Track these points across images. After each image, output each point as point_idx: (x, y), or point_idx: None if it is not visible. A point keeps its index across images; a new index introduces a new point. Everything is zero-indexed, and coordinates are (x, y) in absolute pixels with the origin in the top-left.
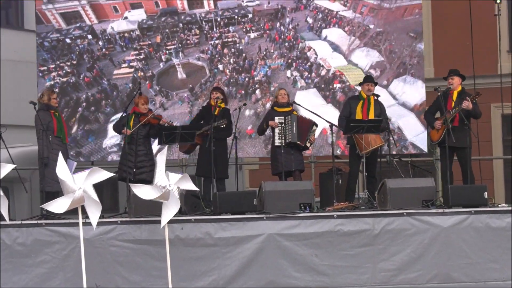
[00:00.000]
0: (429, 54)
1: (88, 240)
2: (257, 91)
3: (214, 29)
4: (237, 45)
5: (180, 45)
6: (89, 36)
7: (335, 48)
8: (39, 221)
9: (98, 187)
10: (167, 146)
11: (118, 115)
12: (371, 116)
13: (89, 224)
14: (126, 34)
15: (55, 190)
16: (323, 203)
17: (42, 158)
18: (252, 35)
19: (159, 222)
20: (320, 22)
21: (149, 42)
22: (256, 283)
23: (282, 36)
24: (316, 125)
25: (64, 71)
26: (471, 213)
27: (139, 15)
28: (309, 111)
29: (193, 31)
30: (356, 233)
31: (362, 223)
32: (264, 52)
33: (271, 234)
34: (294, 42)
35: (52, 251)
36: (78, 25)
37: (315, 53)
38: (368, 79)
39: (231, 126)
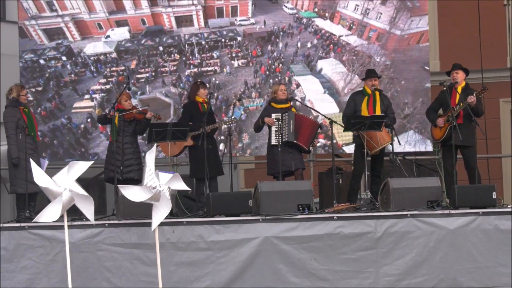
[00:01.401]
0: (435, 46)
1: (74, 244)
2: (221, 145)
3: (196, 55)
4: (215, 76)
5: (153, 73)
6: (63, 58)
7: (329, 87)
8: (22, 224)
9: (84, 188)
10: (156, 144)
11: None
12: (378, 112)
13: (75, 227)
14: (101, 57)
15: (29, 191)
16: (323, 204)
17: (12, 158)
18: (236, 63)
19: (148, 224)
20: (318, 49)
21: (123, 67)
22: None
23: (270, 69)
24: (321, 128)
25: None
26: (479, 215)
27: (121, 33)
28: (308, 107)
29: (172, 55)
30: (357, 236)
31: (363, 225)
32: (243, 89)
33: (268, 237)
34: (281, 76)
35: (35, 256)
36: (54, 44)
37: (303, 93)
38: (371, 74)
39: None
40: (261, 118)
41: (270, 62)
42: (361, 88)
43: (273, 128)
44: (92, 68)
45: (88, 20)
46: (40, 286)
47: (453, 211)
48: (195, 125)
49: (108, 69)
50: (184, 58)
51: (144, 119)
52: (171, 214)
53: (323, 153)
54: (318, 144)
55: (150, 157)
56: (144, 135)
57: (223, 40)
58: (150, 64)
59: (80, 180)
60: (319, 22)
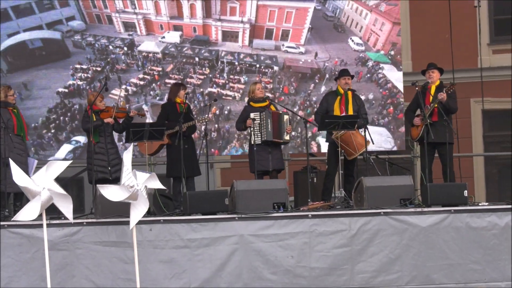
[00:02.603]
0: (407, 47)
1: (53, 243)
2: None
3: (224, 74)
4: (232, 104)
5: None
6: (125, 48)
7: None
8: (1, 223)
9: (62, 187)
10: (132, 144)
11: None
12: (350, 112)
13: (54, 225)
14: (150, 55)
15: (12, 191)
16: (298, 202)
17: (4, 158)
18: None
19: (126, 223)
20: (376, 107)
21: (160, 68)
22: (229, 286)
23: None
24: (287, 114)
25: (85, 75)
26: (451, 212)
27: (174, 37)
28: (284, 107)
29: (203, 69)
30: (332, 234)
31: (338, 223)
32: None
33: (244, 235)
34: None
35: (14, 254)
36: (127, 35)
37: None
38: (345, 73)
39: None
40: (241, 118)
41: (305, 96)
42: (335, 89)
43: (252, 127)
44: (139, 62)
45: (154, 21)
46: (19, 284)
47: (426, 209)
48: (171, 123)
49: (149, 67)
50: (211, 75)
51: (128, 117)
52: (149, 213)
53: (297, 153)
54: (291, 131)
55: (127, 157)
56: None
57: (257, 65)
58: (181, 72)
59: (59, 180)
60: (389, 71)
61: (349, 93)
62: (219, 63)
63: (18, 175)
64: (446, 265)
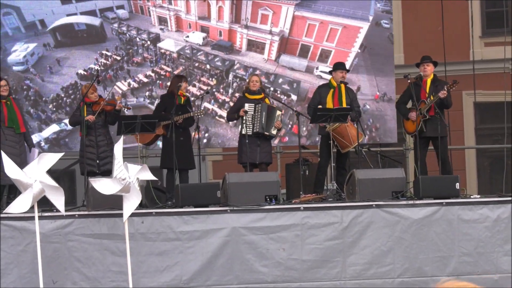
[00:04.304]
0: (399, 40)
1: (45, 235)
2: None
3: (230, 90)
4: (221, 129)
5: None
6: (148, 42)
7: None
8: None
9: (54, 179)
10: (122, 136)
11: None
12: (343, 104)
13: (45, 218)
14: (167, 52)
15: (6, 183)
16: (290, 195)
17: None
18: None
19: (118, 215)
20: None
21: (170, 69)
22: (221, 279)
23: None
24: (280, 110)
25: (104, 62)
26: (443, 205)
27: (197, 37)
28: (277, 100)
29: (211, 78)
30: (324, 226)
31: (330, 215)
32: None
33: (236, 228)
34: None
35: (6, 247)
36: (159, 29)
37: None
38: (340, 66)
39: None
40: (234, 108)
41: None
42: (327, 81)
43: (245, 119)
44: (153, 58)
45: (184, 19)
46: (11, 276)
47: (418, 202)
48: (166, 114)
49: (160, 65)
50: (215, 88)
51: (115, 110)
52: (141, 205)
53: (290, 145)
54: (282, 130)
55: (118, 149)
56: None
57: (271, 88)
58: (189, 76)
59: (51, 172)
60: None
61: (342, 86)
62: (230, 76)
63: (10, 167)
64: (438, 257)
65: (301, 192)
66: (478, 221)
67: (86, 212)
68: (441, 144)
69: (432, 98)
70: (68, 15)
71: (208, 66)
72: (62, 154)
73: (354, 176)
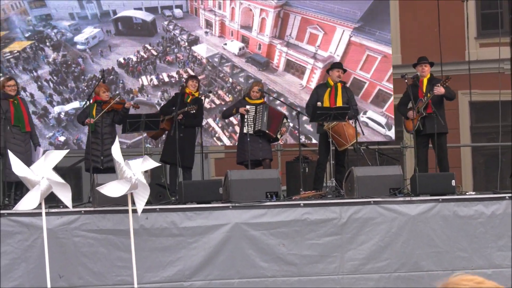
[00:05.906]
0: (396, 40)
1: (51, 231)
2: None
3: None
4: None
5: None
6: (186, 44)
7: None
8: (2, 211)
9: (60, 176)
10: (117, 138)
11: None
12: (339, 103)
13: (52, 214)
14: (198, 56)
15: (13, 180)
16: (290, 191)
17: (2, 149)
18: None
19: (123, 211)
20: None
21: (194, 73)
22: (222, 273)
23: None
24: (287, 118)
25: (140, 55)
26: (439, 201)
27: (233, 47)
28: (278, 99)
29: (228, 94)
30: (323, 222)
31: (329, 211)
32: None
33: (237, 224)
34: None
35: (14, 242)
36: (203, 32)
37: None
38: (337, 65)
39: (202, 115)
40: (234, 107)
41: None
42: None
43: (247, 117)
44: (183, 60)
45: (227, 25)
46: (18, 271)
47: (414, 198)
48: (168, 110)
49: (186, 68)
50: (229, 105)
51: (124, 109)
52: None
53: (290, 143)
54: (285, 133)
55: (116, 150)
56: None
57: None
58: (209, 86)
59: (57, 170)
60: None
61: (339, 85)
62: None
63: (17, 165)
64: (434, 252)
65: (301, 189)
66: (473, 217)
67: (92, 208)
68: (439, 141)
69: (428, 95)
70: (135, 9)
71: (230, 80)
72: (67, 151)
73: (352, 174)
